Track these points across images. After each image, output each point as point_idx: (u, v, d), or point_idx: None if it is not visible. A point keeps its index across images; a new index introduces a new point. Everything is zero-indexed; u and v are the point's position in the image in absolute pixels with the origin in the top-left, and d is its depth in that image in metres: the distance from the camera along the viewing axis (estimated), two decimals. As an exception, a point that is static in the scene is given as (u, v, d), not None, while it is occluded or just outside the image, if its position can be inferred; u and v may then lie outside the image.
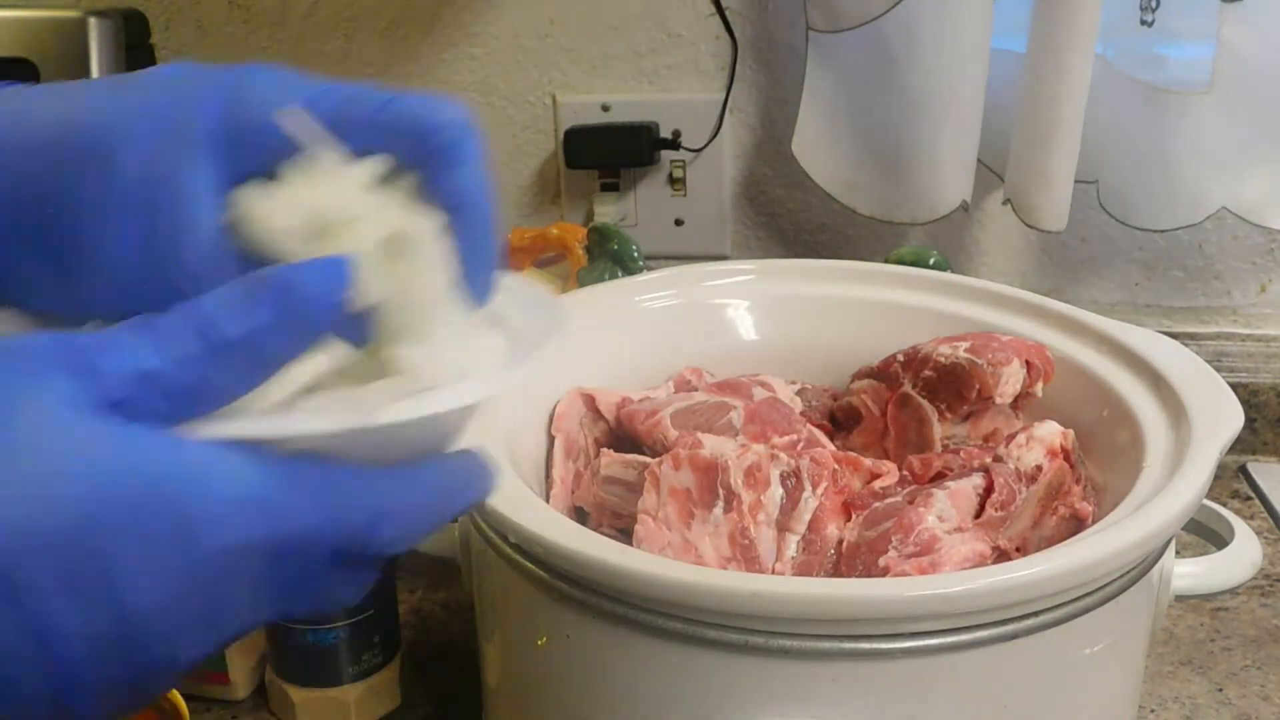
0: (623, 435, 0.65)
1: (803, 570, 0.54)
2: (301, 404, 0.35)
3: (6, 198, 0.37)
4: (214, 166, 0.37)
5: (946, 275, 0.75)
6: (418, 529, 0.36)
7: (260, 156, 0.37)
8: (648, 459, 0.60)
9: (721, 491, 0.56)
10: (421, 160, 0.37)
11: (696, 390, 0.68)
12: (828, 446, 0.64)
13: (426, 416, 0.35)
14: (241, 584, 0.32)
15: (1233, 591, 0.62)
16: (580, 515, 0.62)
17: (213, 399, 0.32)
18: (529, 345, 0.39)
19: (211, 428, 0.32)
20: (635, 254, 0.88)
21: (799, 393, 0.69)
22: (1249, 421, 0.80)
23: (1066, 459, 0.59)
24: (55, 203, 0.37)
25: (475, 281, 0.39)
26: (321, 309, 0.33)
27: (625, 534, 0.58)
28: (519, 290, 0.42)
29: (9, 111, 0.37)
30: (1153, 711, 0.69)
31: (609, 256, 0.87)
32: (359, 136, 0.37)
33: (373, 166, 0.38)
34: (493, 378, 0.37)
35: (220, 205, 0.37)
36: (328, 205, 0.37)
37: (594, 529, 0.57)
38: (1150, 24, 0.91)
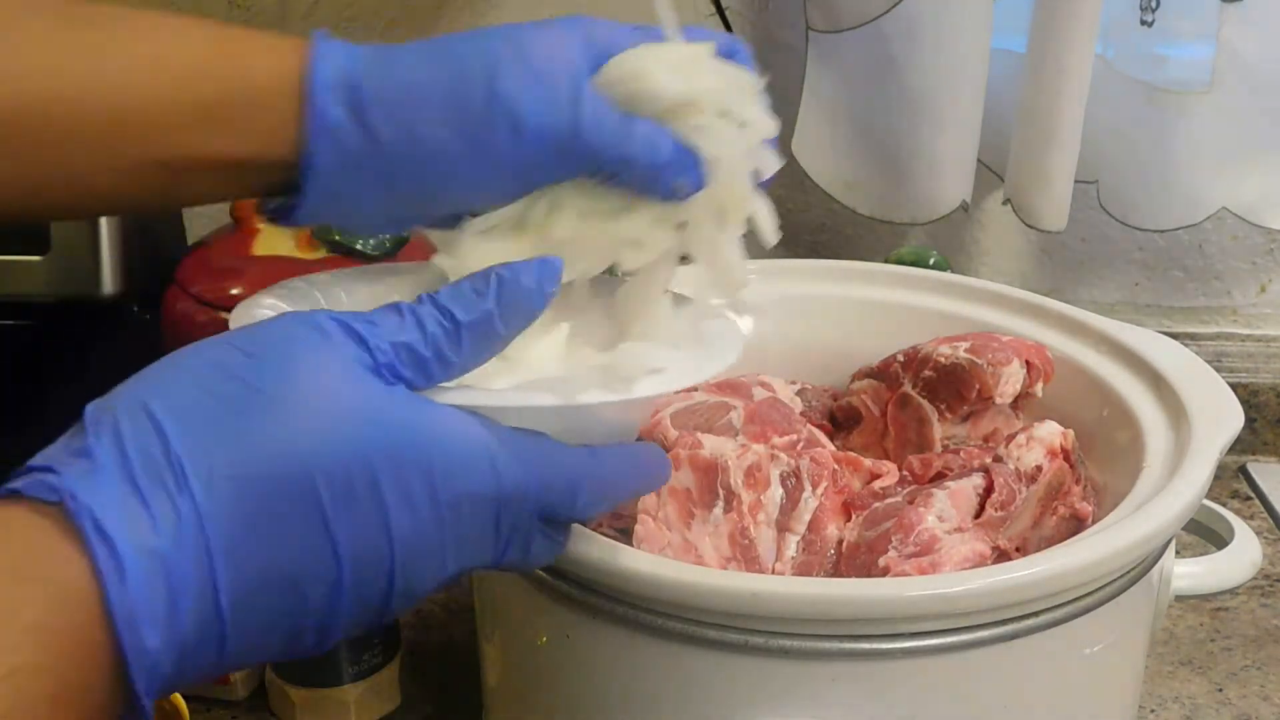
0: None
1: (803, 570, 0.54)
2: (520, 386, 0.43)
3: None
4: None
5: (946, 275, 0.75)
6: (605, 501, 0.43)
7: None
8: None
9: (721, 491, 0.56)
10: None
11: (696, 390, 0.68)
12: (828, 446, 0.64)
13: (618, 402, 0.43)
14: (468, 527, 0.39)
15: (1233, 591, 0.62)
16: (580, 515, 0.62)
17: (451, 369, 0.40)
18: (711, 352, 0.48)
19: (452, 394, 0.40)
20: (635, 254, 0.88)
21: (799, 393, 0.69)
22: (1249, 421, 0.80)
23: (1066, 459, 0.59)
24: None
25: None
26: (535, 299, 0.41)
27: (625, 534, 0.58)
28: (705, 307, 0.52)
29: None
30: (1153, 711, 0.69)
31: (609, 256, 0.87)
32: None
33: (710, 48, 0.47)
34: (677, 376, 0.45)
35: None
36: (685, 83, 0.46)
37: (594, 529, 0.57)
38: (1150, 24, 0.91)
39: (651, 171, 0.46)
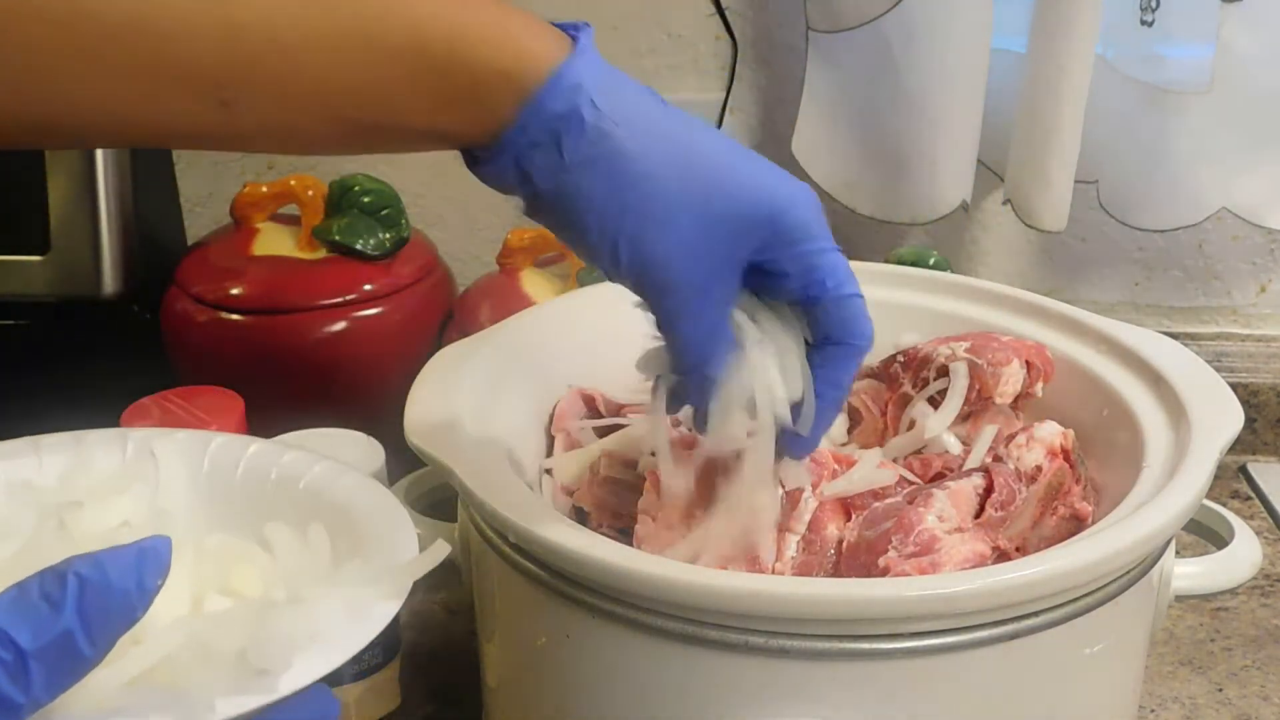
0: (623, 435, 0.65)
1: (803, 570, 0.54)
2: (128, 698, 0.34)
3: None
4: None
5: (946, 275, 0.75)
6: None
7: (771, 252, 0.48)
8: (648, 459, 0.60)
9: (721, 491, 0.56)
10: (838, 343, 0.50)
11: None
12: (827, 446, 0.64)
13: (257, 709, 0.35)
14: None
15: (1233, 591, 0.62)
16: (580, 515, 0.62)
17: (18, 713, 0.31)
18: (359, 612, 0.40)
19: None
20: (635, 254, 0.88)
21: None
22: (1249, 421, 0.80)
23: (1066, 459, 0.59)
24: None
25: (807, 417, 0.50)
26: (133, 604, 0.33)
27: (625, 534, 0.58)
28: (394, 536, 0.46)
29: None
30: (1153, 711, 0.69)
31: (609, 256, 0.87)
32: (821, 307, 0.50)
33: None
34: (337, 647, 0.38)
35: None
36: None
37: (594, 529, 0.57)
38: (1150, 24, 0.91)
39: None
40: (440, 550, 0.43)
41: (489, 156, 0.47)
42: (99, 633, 0.32)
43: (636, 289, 0.49)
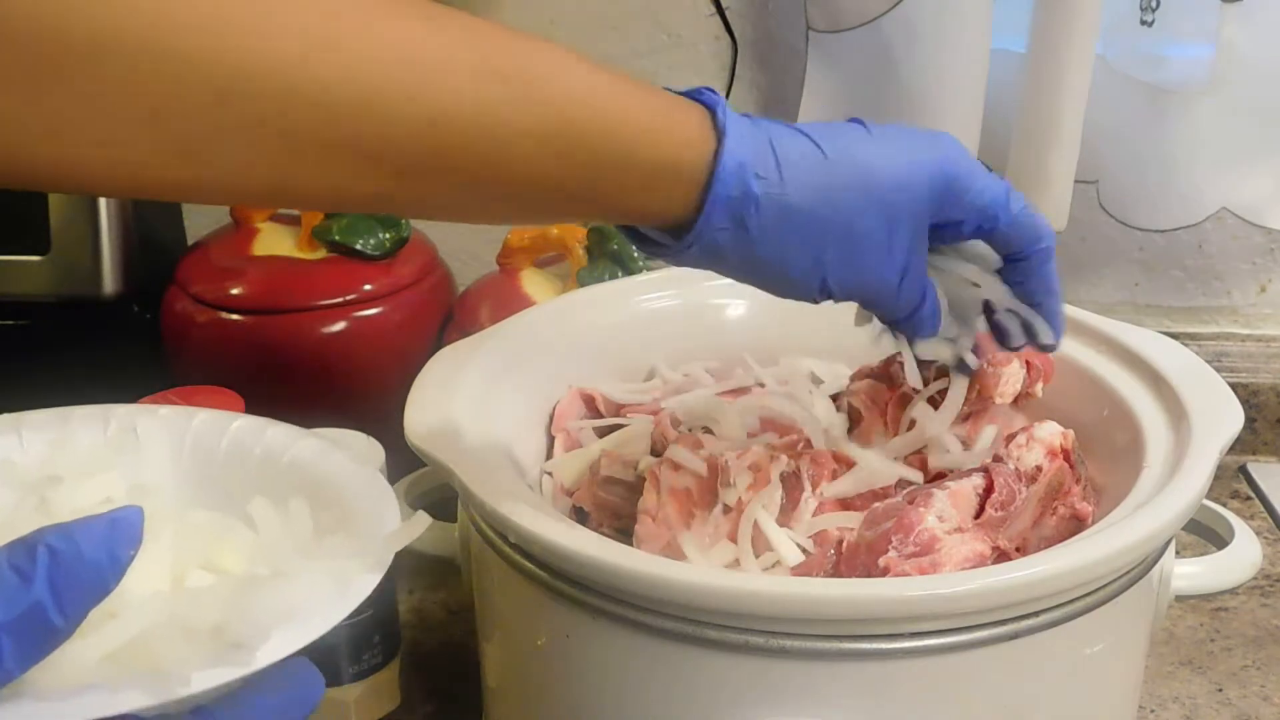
0: (623, 435, 0.65)
1: (803, 570, 0.54)
2: (103, 671, 0.34)
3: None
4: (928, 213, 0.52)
5: (946, 275, 0.75)
6: None
7: (948, 211, 0.52)
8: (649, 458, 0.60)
9: (721, 491, 0.56)
10: (1027, 255, 0.54)
11: (696, 390, 0.68)
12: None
13: (229, 682, 0.35)
14: None
15: (1233, 591, 0.62)
16: (580, 515, 0.62)
17: None
18: (349, 580, 0.40)
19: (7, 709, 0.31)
20: (635, 254, 0.88)
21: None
22: (1249, 421, 0.80)
23: (1066, 459, 0.59)
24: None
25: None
26: (105, 576, 0.32)
27: (625, 534, 0.58)
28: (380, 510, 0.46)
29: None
30: (1153, 711, 0.69)
31: (609, 256, 0.87)
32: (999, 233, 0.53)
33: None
34: (315, 622, 0.38)
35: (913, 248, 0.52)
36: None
37: (594, 529, 0.57)
38: (1150, 24, 0.91)
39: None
40: (420, 522, 0.43)
41: (680, 248, 0.50)
42: (70, 604, 0.32)
43: (846, 299, 0.53)
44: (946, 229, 0.52)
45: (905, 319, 0.54)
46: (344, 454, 0.50)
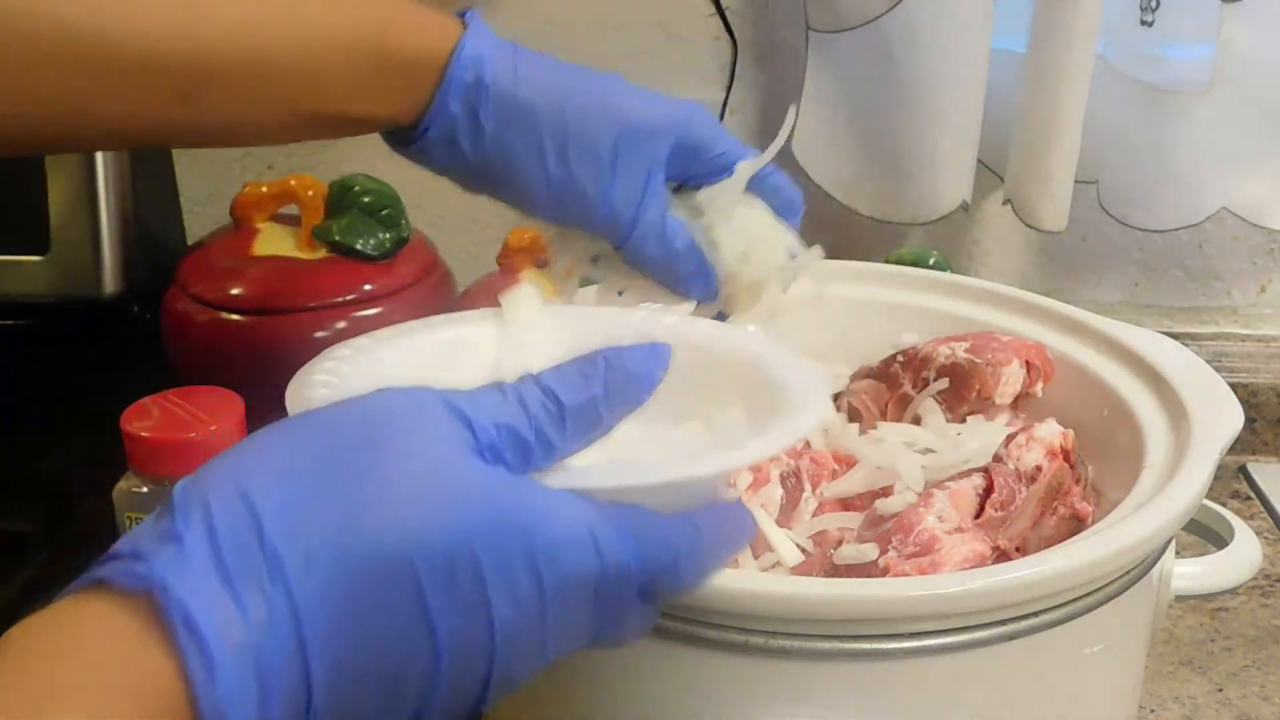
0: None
1: (802, 570, 0.54)
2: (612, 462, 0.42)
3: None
4: (666, 166, 0.58)
5: (946, 275, 0.75)
6: (705, 570, 0.41)
7: (691, 168, 0.59)
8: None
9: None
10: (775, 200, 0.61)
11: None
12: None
13: (715, 473, 0.42)
14: (570, 611, 0.37)
15: (1233, 591, 0.62)
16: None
17: (552, 454, 0.39)
18: (789, 417, 0.46)
19: (556, 476, 0.39)
20: (635, 254, 0.88)
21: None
22: (1249, 421, 0.80)
23: (1067, 459, 0.59)
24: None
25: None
26: (643, 386, 0.40)
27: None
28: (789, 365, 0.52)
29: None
30: (1153, 711, 0.69)
31: (609, 256, 0.87)
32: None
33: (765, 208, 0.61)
34: (764, 444, 0.44)
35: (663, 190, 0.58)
36: (757, 233, 0.60)
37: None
38: (1150, 24, 0.91)
39: (673, 277, 0.59)
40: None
41: (417, 135, 0.56)
42: (616, 405, 0.40)
43: (582, 222, 0.58)
44: (690, 180, 0.59)
45: (623, 238, 0.58)
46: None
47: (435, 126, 0.55)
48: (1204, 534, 0.64)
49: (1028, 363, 0.63)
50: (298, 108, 0.54)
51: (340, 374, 0.50)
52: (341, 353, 0.52)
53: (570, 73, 0.57)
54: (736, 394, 0.51)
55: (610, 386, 0.39)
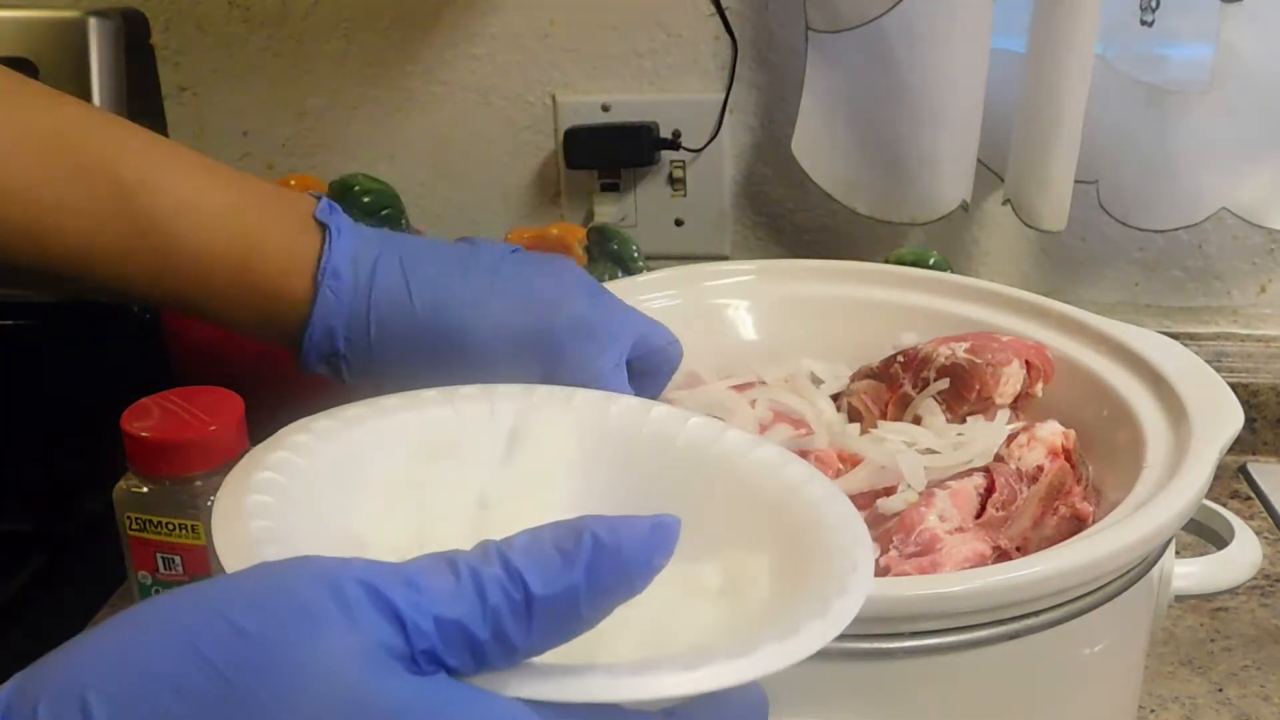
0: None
1: (803, 570, 0.54)
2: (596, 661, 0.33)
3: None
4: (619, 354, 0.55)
5: (946, 275, 0.75)
6: None
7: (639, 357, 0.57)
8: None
9: (722, 491, 0.55)
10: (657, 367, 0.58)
11: (695, 389, 0.68)
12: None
13: (707, 690, 0.33)
14: None
15: (1233, 591, 0.62)
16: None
17: (512, 656, 0.31)
18: (820, 612, 0.38)
19: (515, 684, 0.31)
20: (635, 254, 0.88)
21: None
22: (1249, 421, 0.80)
23: (1068, 459, 0.59)
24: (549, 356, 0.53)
25: None
26: (637, 577, 0.31)
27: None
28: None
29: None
30: (1153, 711, 0.69)
31: (609, 257, 0.87)
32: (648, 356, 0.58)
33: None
34: (764, 658, 0.35)
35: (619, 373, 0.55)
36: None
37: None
38: (1150, 24, 0.91)
39: None
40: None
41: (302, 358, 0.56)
42: (600, 598, 0.31)
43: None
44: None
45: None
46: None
47: (309, 370, 0.57)
48: (1204, 534, 0.64)
49: (1028, 363, 0.63)
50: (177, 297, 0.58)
51: (291, 470, 0.42)
52: (298, 438, 0.44)
53: (420, 308, 0.54)
54: (765, 536, 0.43)
55: (595, 574, 0.31)
